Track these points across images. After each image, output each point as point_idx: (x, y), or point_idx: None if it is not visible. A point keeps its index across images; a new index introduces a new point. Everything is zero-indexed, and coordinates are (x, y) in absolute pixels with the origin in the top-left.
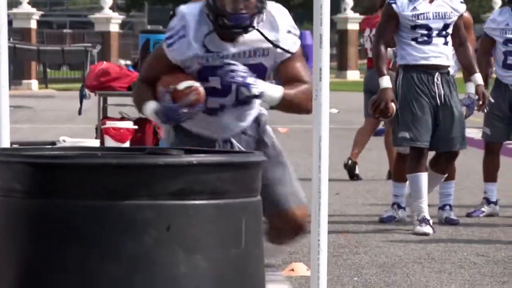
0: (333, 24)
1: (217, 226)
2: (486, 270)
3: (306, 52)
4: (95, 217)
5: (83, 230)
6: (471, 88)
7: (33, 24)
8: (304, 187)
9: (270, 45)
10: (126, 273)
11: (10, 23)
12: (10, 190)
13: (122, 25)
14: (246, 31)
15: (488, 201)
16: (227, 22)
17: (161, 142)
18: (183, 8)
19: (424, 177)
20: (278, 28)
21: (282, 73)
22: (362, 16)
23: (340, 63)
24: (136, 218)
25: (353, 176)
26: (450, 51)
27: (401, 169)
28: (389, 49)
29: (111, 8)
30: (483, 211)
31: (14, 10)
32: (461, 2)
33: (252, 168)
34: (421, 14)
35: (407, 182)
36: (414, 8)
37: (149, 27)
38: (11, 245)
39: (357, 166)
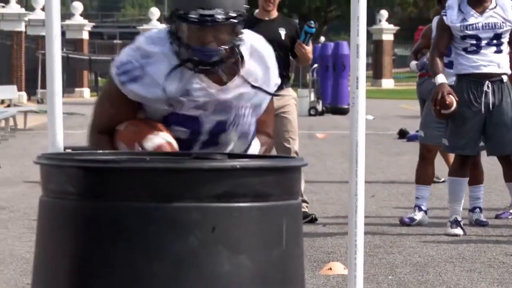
0: (369, 34)
1: (260, 227)
2: None
3: (343, 61)
4: (144, 218)
5: (132, 230)
6: None
7: (85, 35)
8: (341, 189)
9: (250, 91)
10: (173, 272)
11: (63, 34)
12: (63, 193)
13: None
14: (214, 67)
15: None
16: (193, 56)
17: None
18: (147, 39)
19: (462, 182)
20: (269, 68)
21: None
22: (397, 28)
23: (375, 72)
24: (183, 219)
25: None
26: (504, 59)
27: (423, 172)
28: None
29: (159, 19)
30: (511, 213)
31: (67, 22)
32: None
33: (293, 172)
34: (470, 25)
35: (430, 186)
36: (464, 19)
37: None
38: (65, 245)
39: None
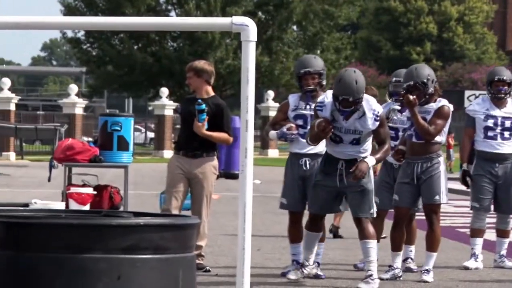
0: (257, 111)
1: (159, 276)
2: None
3: (236, 133)
4: (58, 267)
5: (47, 278)
6: None
7: (12, 107)
8: (232, 243)
9: None
10: None
11: None
12: None
13: (86, 108)
14: None
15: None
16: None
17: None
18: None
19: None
20: None
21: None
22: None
23: (262, 142)
24: (92, 268)
25: (337, 236)
26: (358, 150)
27: (295, 231)
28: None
29: (77, 94)
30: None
31: None
32: (375, 120)
33: (188, 229)
34: (336, 127)
35: (302, 242)
36: (334, 120)
37: (107, 110)
38: None
39: (339, 229)
